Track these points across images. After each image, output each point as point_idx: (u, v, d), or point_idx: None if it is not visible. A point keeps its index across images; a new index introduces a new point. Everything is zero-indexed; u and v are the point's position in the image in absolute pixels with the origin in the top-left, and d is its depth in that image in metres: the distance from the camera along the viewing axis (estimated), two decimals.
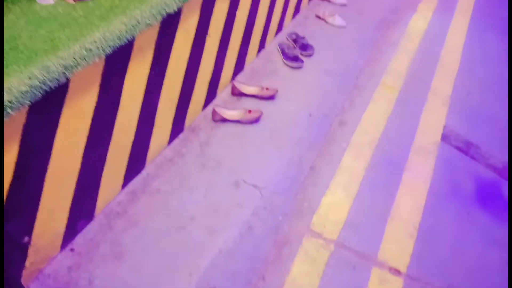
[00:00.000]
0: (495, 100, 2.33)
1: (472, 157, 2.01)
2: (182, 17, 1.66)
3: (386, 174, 1.88)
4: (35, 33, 1.25)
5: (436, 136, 2.08)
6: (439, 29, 2.91)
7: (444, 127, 2.14)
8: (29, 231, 1.29)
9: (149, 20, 1.43)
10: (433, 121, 2.17)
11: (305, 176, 1.83)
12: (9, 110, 1.05)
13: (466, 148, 2.05)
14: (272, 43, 2.59)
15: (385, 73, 2.45)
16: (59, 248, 1.45)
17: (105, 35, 1.28)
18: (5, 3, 1.38)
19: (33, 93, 1.10)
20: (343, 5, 3.06)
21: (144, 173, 1.75)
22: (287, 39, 2.63)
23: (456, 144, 2.06)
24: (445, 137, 2.09)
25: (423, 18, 3.03)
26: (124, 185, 1.67)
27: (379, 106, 2.23)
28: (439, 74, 2.47)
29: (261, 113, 2.07)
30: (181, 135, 1.94)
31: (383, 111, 2.20)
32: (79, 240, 1.48)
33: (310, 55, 2.51)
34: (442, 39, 2.81)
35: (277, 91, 2.20)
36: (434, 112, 2.22)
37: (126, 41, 1.36)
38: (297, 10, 2.85)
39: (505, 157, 2.03)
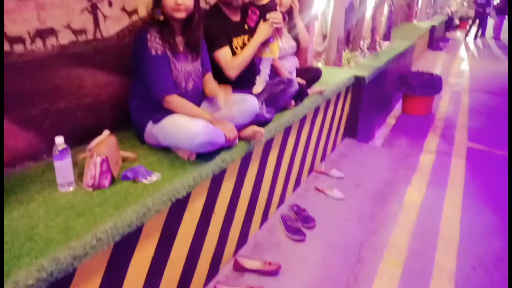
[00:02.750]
0: (501, 276, 2.28)
1: None
2: (190, 199, 1.78)
3: None
4: (51, 222, 1.34)
5: None
6: (435, 202, 3.04)
7: None
8: None
9: (159, 206, 1.54)
10: None
11: None
12: None
13: None
14: (274, 215, 2.69)
15: (387, 247, 2.47)
16: None
17: (116, 223, 1.36)
18: (30, 193, 1.51)
19: (39, 286, 1.12)
20: (340, 178, 3.27)
21: None
22: (289, 210, 2.74)
23: None
24: None
25: (418, 191, 3.19)
26: None
27: (384, 283, 2.18)
28: (441, 249, 2.48)
29: None
30: None
31: None
32: None
33: (311, 228, 2.58)
34: (439, 212, 2.90)
35: (280, 266, 2.19)
36: None
37: (136, 227, 1.44)
38: (297, 183, 3.04)
39: None
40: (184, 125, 1.75)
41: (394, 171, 3.52)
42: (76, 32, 1.84)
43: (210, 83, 2.11)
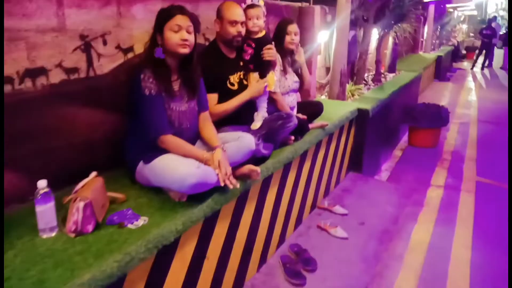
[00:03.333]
0: None
1: None
2: (180, 244, 1.69)
3: None
4: (26, 274, 1.25)
5: None
6: (443, 242, 2.90)
7: None
8: None
9: (143, 254, 1.45)
10: None
11: None
12: None
13: None
14: (274, 255, 2.57)
15: None
16: None
17: (95, 275, 1.28)
18: (10, 239, 1.44)
19: None
20: (344, 214, 3.15)
21: None
22: (289, 251, 2.62)
23: None
24: None
25: (425, 230, 3.06)
26: None
27: None
28: None
29: None
30: None
31: None
32: None
33: (313, 271, 2.45)
34: (447, 253, 2.76)
35: None
36: None
37: (117, 278, 1.35)
38: (299, 220, 2.93)
39: None
40: (174, 167, 1.68)
41: (400, 207, 3.39)
42: (68, 71, 1.82)
43: (206, 124, 2.06)
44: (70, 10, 1.77)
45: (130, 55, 2.11)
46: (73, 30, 1.80)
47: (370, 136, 3.95)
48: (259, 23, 2.43)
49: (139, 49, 2.12)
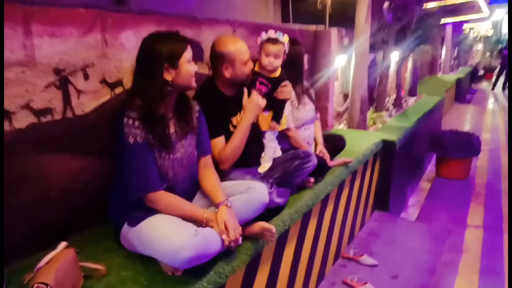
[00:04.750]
0: None
1: None
2: None
3: None
4: None
5: None
6: None
7: None
8: None
9: None
10: None
11: None
12: None
13: None
14: None
15: None
16: None
17: None
18: None
19: None
20: (373, 265, 2.71)
21: None
22: None
23: None
24: None
25: (469, 283, 2.60)
26: None
27: None
28: None
29: None
30: None
31: None
32: None
33: None
34: None
35: None
36: None
37: None
38: (321, 275, 2.52)
39: None
40: (164, 236, 1.31)
41: (436, 254, 2.94)
42: (38, 113, 1.48)
43: (208, 172, 1.69)
44: (41, 39, 1.46)
45: (118, 90, 1.78)
46: (44, 64, 1.48)
47: (396, 170, 3.54)
48: (276, 64, 2.03)
49: (129, 83, 1.78)
